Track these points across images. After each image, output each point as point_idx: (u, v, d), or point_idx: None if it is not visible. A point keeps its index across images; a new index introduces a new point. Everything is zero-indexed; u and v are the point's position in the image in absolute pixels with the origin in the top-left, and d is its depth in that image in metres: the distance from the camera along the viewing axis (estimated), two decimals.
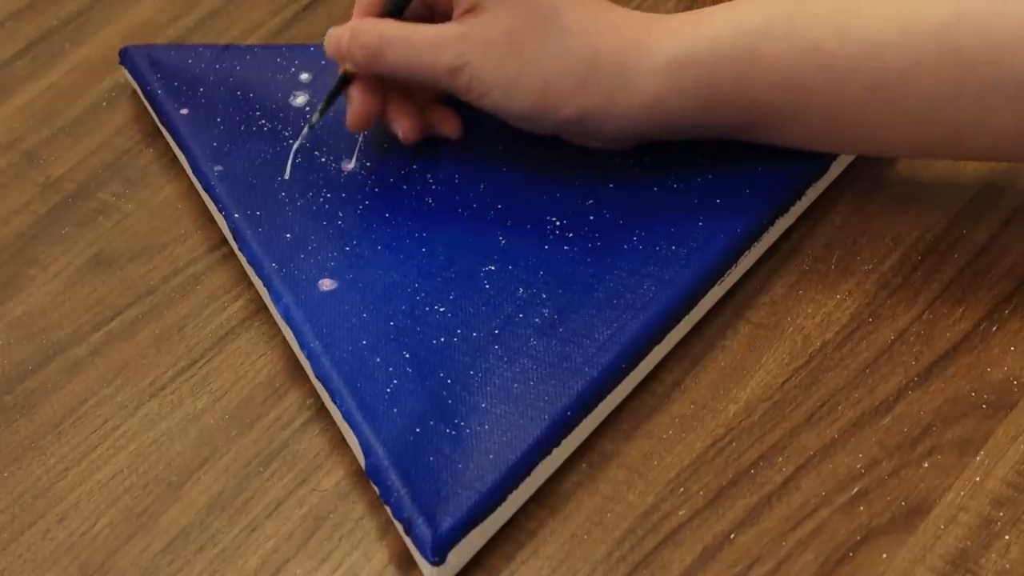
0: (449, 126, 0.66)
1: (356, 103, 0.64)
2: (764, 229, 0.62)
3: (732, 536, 0.54)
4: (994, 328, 0.60)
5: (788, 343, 0.60)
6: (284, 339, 0.61)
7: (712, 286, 0.60)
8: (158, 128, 0.70)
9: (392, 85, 0.64)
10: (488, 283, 0.60)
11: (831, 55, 0.58)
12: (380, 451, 0.55)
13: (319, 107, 0.65)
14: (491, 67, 0.60)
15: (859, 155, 0.63)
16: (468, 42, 0.60)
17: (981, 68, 0.56)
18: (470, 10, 0.61)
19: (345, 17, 0.64)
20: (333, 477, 0.57)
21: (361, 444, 0.55)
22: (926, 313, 0.60)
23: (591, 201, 0.63)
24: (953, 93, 0.57)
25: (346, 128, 0.65)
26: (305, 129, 0.65)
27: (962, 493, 0.55)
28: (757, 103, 0.60)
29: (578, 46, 0.60)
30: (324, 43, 0.64)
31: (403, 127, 0.65)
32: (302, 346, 0.59)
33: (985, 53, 0.56)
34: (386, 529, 0.55)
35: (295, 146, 0.66)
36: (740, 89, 0.59)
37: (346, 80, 0.64)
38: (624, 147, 0.63)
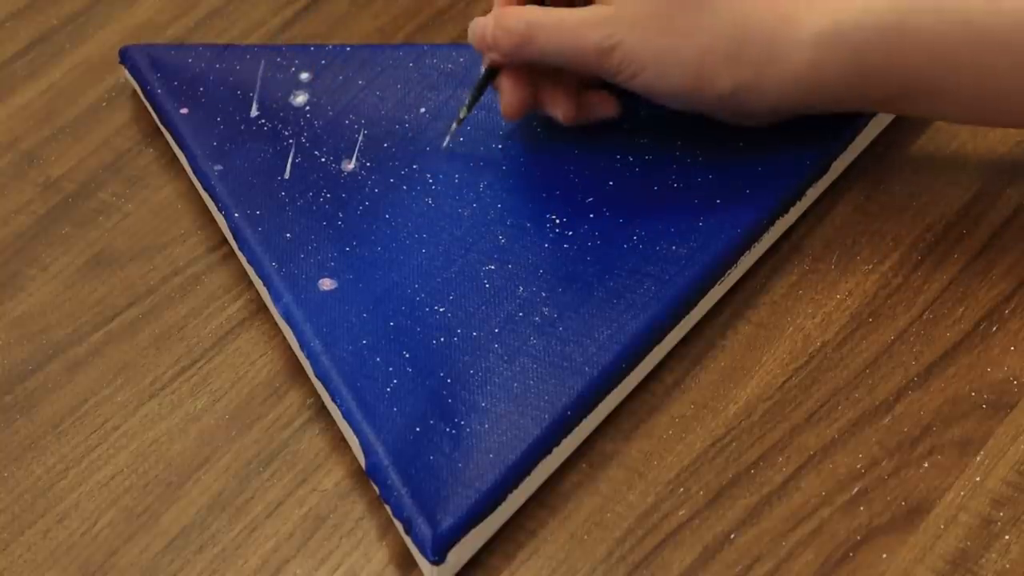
0: (606, 106, 0.65)
1: (508, 93, 0.63)
2: (764, 229, 0.62)
3: (732, 536, 0.54)
4: (994, 328, 0.60)
5: (788, 343, 0.60)
6: (284, 339, 0.61)
7: (712, 286, 0.60)
8: (158, 128, 0.70)
9: (540, 70, 0.64)
10: (488, 282, 0.60)
11: (981, 29, 0.57)
12: (380, 450, 0.55)
13: (467, 102, 0.65)
14: (643, 45, 0.60)
15: (1006, 127, 0.63)
16: (618, 21, 0.60)
17: None
18: None
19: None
20: (333, 477, 0.57)
21: (361, 444, 0.55)
22: (926, 313, 0.60)
23: (591, 200, 0.63)
24: None
25: (455, 144, 0.64)
26: (454, 126, 0.65)
27: (962, 493, 0.55)
28: (905, 77, 0.59)
29: (729, 20, 0.59)
30: (468, 35, 0.64)
31: (562, 110, 0.64)
32: (302, 346, 0.59)
33: None
34: (386, 529, 0.55)
35: (445, 143, 0.65)
36: (888, 63, 0.59)
37: (492, 73, 0.64)
38: (773, 122, 0.63)
